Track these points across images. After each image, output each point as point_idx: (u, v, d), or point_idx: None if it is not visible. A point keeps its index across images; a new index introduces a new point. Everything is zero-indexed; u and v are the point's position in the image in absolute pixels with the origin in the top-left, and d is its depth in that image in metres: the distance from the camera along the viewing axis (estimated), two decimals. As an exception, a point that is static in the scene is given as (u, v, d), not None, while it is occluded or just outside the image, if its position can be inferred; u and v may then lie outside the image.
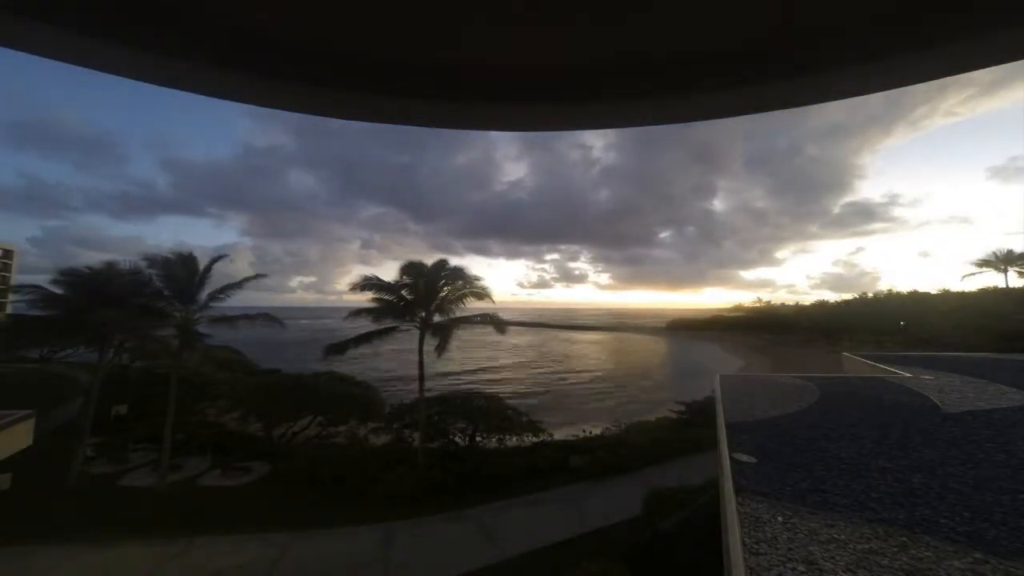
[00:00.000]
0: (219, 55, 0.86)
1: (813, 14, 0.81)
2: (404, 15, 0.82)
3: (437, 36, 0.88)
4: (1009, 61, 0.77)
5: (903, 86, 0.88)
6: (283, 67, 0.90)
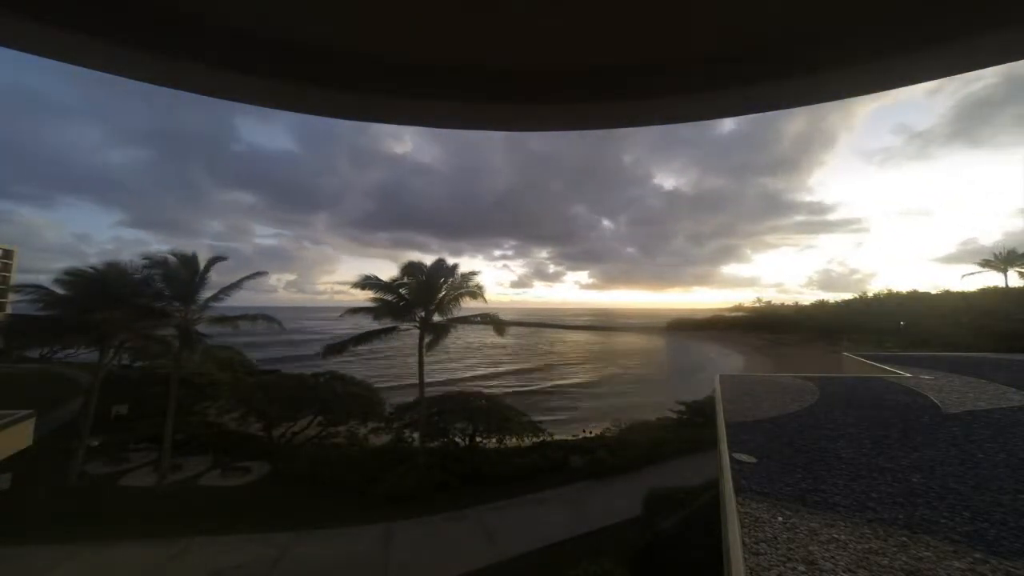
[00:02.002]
0: (219, 55, 0.86)
1: (813, 14, 0.81)
2: (404, 15, 0.82)
3: (437, 36, 0.89)
4: (1009, 61, 0.77)
5: (903, 86, 0.88)
6: (283, 67, 0.90)
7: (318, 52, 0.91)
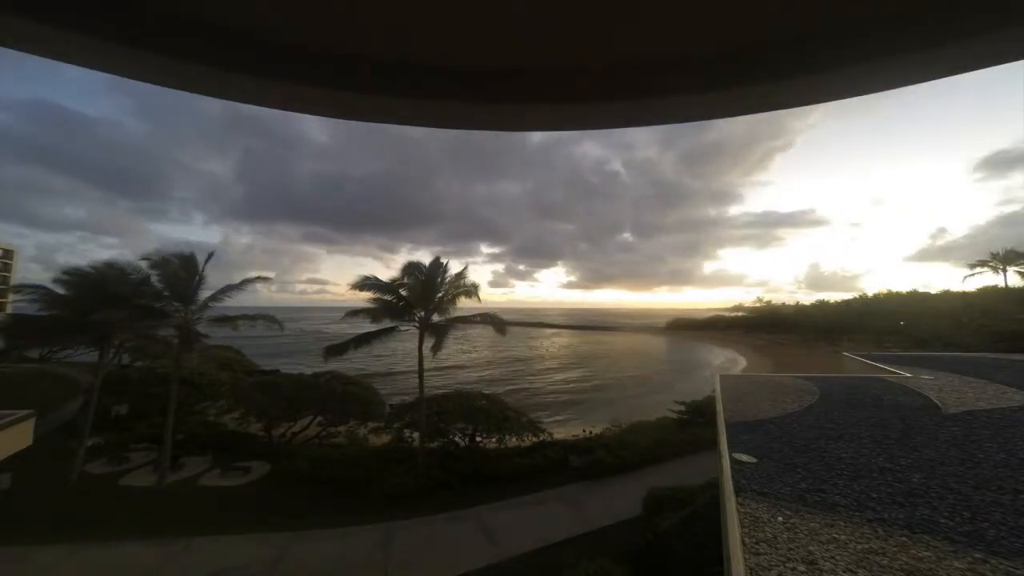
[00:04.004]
0: (219, 55, 0.86)
1: (813, 14, 0.81)
2: (404, 15, 0.82)
3: (437, 36, 0.89)
4: (1009, 61, 0.77)
5: (903, 86, 0.88)
6: (283, 67, 0.90)
7: (318, 52, 0.92)
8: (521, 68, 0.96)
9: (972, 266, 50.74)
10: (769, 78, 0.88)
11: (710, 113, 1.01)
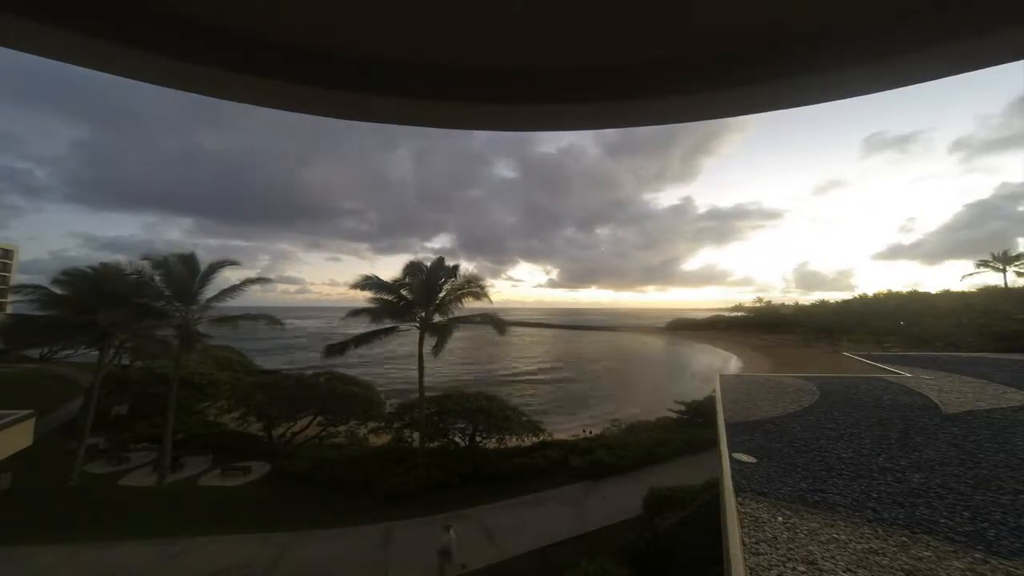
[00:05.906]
0: (219, 55, 0.86)
1: (813, 14, 0.81)
2: (405, 16, 0.82)
3: (437, 36, 0.89)
4: (1009, 61, 0.77)
5: (903, 86, 0.88)
6: (283, 67, 0.90)
7: (318, 52, 0.92)
8: (521, 68, 0.96)
9: (978, 265, 50.76)
10: (769, 78, 0.88)
11: (709, 113, 1.01)
